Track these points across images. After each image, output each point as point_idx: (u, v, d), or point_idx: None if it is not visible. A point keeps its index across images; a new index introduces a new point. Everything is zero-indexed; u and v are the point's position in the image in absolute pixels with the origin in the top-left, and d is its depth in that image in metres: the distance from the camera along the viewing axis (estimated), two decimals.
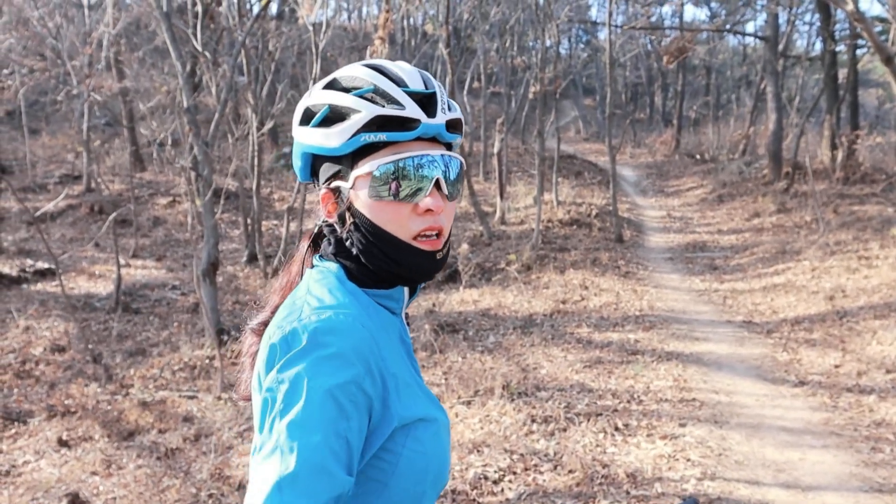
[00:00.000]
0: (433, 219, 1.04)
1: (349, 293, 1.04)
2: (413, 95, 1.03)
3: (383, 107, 1.01)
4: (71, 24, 17.11)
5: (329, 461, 0.87)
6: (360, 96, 1.03)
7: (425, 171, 1.03)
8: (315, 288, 1.04)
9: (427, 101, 1.04)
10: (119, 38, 16.21)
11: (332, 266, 1.09)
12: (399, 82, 1.04)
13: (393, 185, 1.02)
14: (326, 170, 1.09)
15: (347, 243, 1.08)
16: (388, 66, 1.07)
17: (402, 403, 1.00)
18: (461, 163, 1.09)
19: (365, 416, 0.94)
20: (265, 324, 1.15)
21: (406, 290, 1.12)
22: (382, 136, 1.01)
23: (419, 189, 1.03)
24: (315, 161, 1.10)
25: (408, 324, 1.17)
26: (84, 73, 14.25)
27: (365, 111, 1.01)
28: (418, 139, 1.04)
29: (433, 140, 1.06)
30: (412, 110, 1.02)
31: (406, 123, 1.02)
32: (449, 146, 1.10)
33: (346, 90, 1.04)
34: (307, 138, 1.07)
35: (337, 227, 1.09)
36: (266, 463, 0.87)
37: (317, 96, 1.07)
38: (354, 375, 0.93)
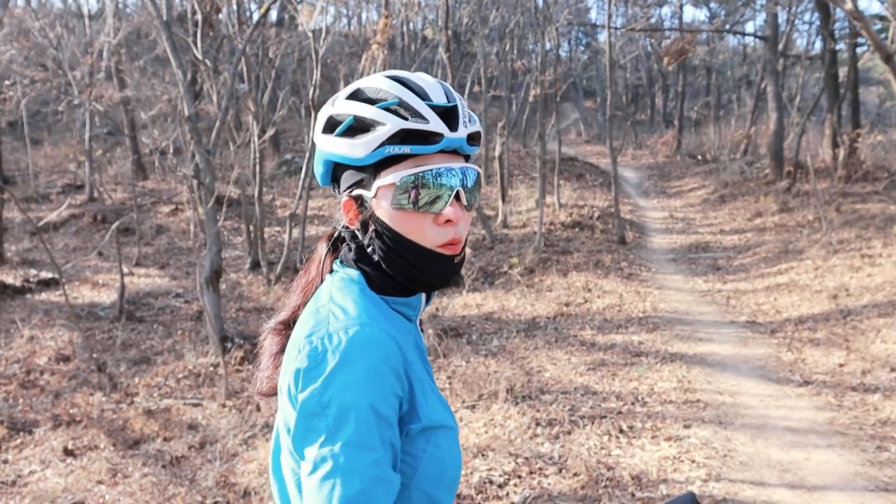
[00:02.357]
0: (453, 229, 1.07)
1: (371, 302, 1.07)
2: (436, 109, 1.06)
3: (407, 120, 1.04)
4: (72, 35, 17.19)
5: (387, 471, 0.93)
6: (386, 109, 1.05)
7: (445, 182, 1.06)
8: (337, 296, 1.07)
9: (449, 115, 1.07)
10: (120, 47, 16.26)
11: (353, 273, 1.11)
12: (422, 95, 1.07)
13: (413, 196, 1.05)
14: (349, 178, 1.11)
15: (369, 250, 1.10)
16: (411, 78, 1.10)
17: (428, 408, 1.03)
18: (478, 173, 1.12)
19: (398, 416, 0.99)
20: (284, 323, 1.19)
21: (423, 296, 1.15)
22: (406, 149, 1.04)
23: (439, 199, 1.06)
24: (336, 168, 1.13)
25: (421, 330, 1.20)
26: (85, 83, 14.30)
27: (390, 124, 1.04)
28: (440, 152, 1.06)
29: (454, 152, 1.09)
30: (436, 124, 1.04)
31: (429, 137, 1.04)
32: (467, 157, 1.13)
33: (372, 101, 1.07)
34: (330, 147, 1.09)
35: (359, 234, 1.12)
36: (327, 485, 0.92)
37: (341, 106, 1.09)
38: (390, 385, 0.97)
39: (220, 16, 13.10)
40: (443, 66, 17.96)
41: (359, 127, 1.06)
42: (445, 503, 1.06)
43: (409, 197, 1.04)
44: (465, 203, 1.09)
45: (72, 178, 17.20)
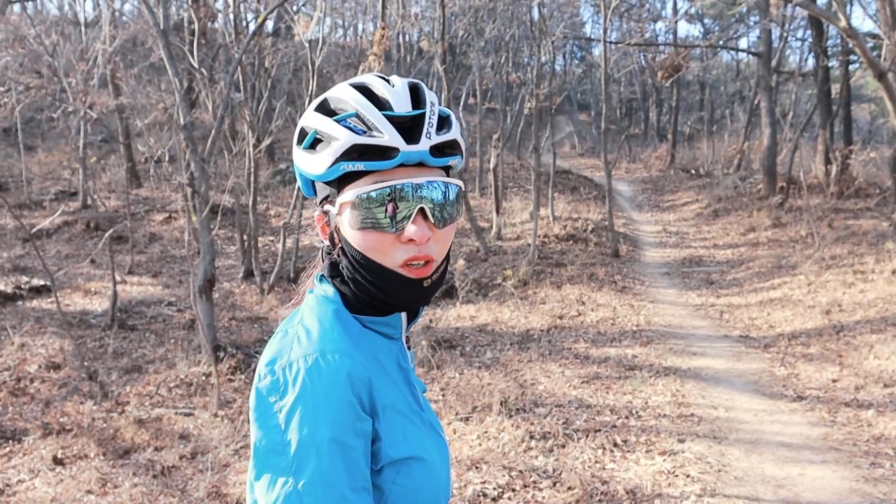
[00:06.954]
0: (417, 248, 0.99)
1: (340, 323, 1.01)
2: (395, 120, 0.98)
3: (362, 134, 0.97)
4: (67, 42, 17.18)
5: (354, 500, 0.91)
6: (341, 121, 0.99)
7: (406, 199, 0.98)
8: (307, 316, 1.02)
9: (413, 125, 0.99)
10: (115, 55, 16.25)
11: (329, 290, 1.07)
12: (383, 105, 0.99)
13: (369, 214, 0.98)
14: (321, 191, 1.08)
15: (340, 266, 1.06)
16: (376, 85, 1.02)
17: (393, 439, 0.98)
18: (457, 188, 1.04)
19: (368, 439, 0.95)
20: None
21: (403, 315, 1.09)
22: (360, 166, 0.98)
23: (403, 218, 0.98)
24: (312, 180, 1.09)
25: (409, 347, 1.14)
26: (80, 90, 14.27)
27: (343, 139, 0.98)
28: (401, 166, 0.99)
29: (420, 165, 1.00)
30: (391, 138, 0.97)
31: (386, 152, 0.97)
32: (448, 170, 1.06)
33: (332, 114, 1.01)
34: (298, 159, 1.06)
35: (331, 249, 1.08)
36: None
37: (306, 118, 1.04)
38: (354, 411, 0.93)
39: (217, 25, 13.13)
40: (438, 78, 18.02)
41: (320, 140, 1.01)
42: None
43: (369, 215, 0.98)
44: (434, 220, 1.00)
45: (65, 185, 17.13)
